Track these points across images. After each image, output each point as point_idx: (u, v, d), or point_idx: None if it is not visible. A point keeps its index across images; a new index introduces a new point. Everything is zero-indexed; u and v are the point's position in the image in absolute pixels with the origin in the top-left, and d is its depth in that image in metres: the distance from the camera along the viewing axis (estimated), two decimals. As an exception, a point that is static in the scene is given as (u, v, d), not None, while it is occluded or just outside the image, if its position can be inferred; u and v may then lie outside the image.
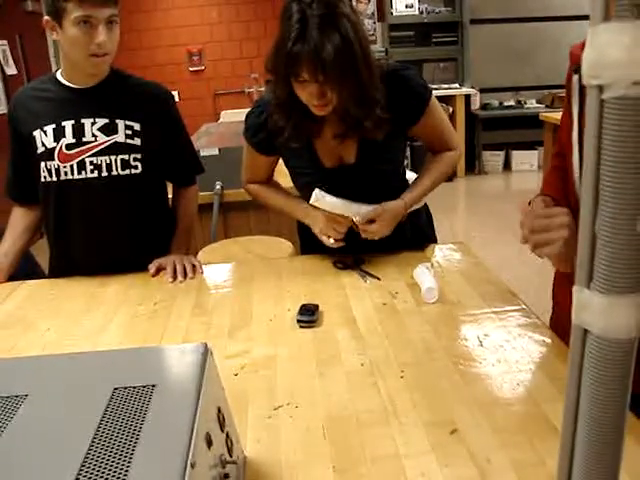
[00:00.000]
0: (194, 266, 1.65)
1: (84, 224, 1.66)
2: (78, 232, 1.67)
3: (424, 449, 0.88)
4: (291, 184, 1.69)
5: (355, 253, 1.60)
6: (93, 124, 1.58)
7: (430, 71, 6.50)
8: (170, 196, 1.85)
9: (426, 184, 1.59)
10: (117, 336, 1.32)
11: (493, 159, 6.59)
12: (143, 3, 6.41)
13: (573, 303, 0.41)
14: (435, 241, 1.78)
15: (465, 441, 0.89)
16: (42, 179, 1.61)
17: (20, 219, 1.73)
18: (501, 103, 6.56)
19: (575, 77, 0.99)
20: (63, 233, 1.68)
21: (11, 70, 4.92)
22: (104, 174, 1.59)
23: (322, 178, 1.53)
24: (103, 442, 0.61)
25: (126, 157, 1.60)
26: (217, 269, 1.71)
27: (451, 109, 6.11)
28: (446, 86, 6.38)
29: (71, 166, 1.58)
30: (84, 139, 1.57)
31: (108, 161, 1.59)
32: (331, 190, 1.51)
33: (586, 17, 0.36)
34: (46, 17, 1.47)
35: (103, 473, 0.56)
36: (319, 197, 1.50)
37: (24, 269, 1.80)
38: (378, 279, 1.50)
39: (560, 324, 1.24)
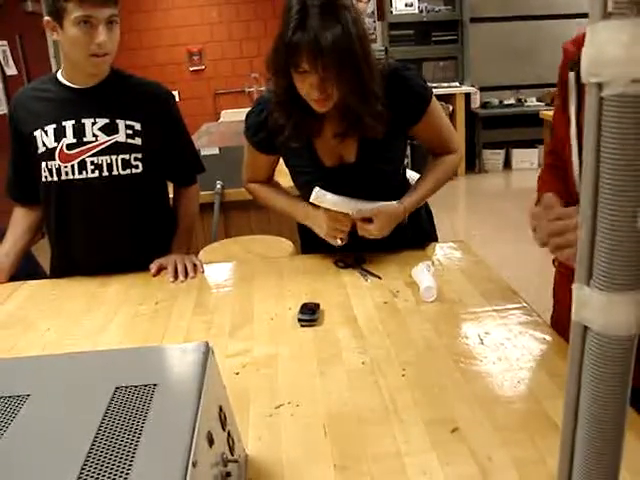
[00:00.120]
0: (195, 265, 1.65)
1: (85, 224, 1.66)
2: (79, 232, 1.67)
3: (425, 447, 0.88)
4: (291, 183, 1.69)
5: (356, 252, 1.60)
6: (94, 124, 1.58)
7: (430, 70, 6.50)
8: (171, 196, 1.85)
9: (426, 188, 1.59)
10: (118, 336, 1.32)
11: (493, 157, 6.59)
12: (143, 3, 6.41)
13: (573, 300, 0.41)
14: (436, 240, 1.78)
15: (466, 439, 0.89)
16: (43, 179, 1.61)
17: (21, 219, 1.74)
18: (501, 101, 6.56)
19: (571, 74, 0.99)
20: (64, 233, 1.69)
21: (11, 70, 4.93)
22: (105, 174, 1.59)
23: (322, 177, 1.53)
24: (105, 441, 0.61)
25: (127, 157, 1.60)
26: (218, 268, 1.71)
27: (451, 108, 6.12)
28: (446, 85, 6.38)
29: (72, 166, 1.58)
30: (85, 139, 1.57)
31: (109, 161, 1.59)
32: (331, 189, 1.51)
33: (586, 15, 0.36)
34: (46, 17, 1.48)
35: (105, 472, 0.56)
36: (319, 195, 1.50)
37: (25, 269, 1.80)
38: (379, 278, 1.51)
39: (561, 322, 1.25)
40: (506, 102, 6.54)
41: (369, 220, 1.50)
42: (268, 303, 1.42)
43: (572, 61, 1.02)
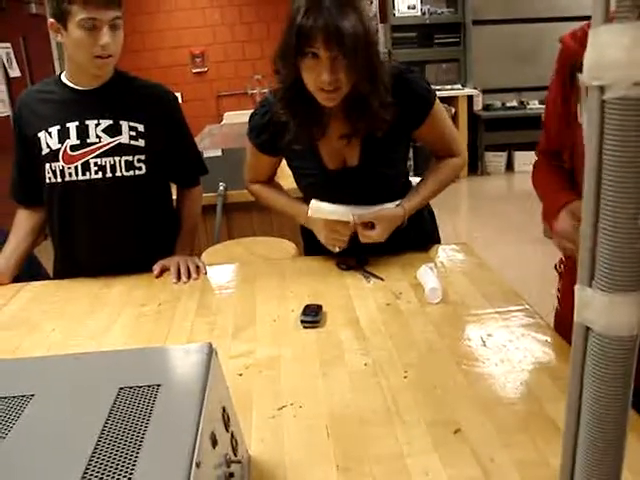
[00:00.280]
0: (198, 267, 1.66)
1: (88, 225, 1.67)
2: (82, 233, 1.68)
3: (427, 448, 0.88)
4: (294, 185, 1.69)
5: (358, 254, 1.61)
6: (97, 125, 1.58)
7: (432, 72, 6.50)
8: (174, 197, 1.86)
9: (427, 191, 1.59)
10: (122, 337, 1.32)
11: (496, 160, 6.58)
12: (146, 5, 6.43)
13: (575, 301, 0.42)
14: (438, 241, 1.78)
15: (468, 441, 0.89)
16: (47, 180, 1.62)
17: (24, 221, 1.74)
18: (504, 104, 6.55)
19: (580, 75, 0.99)
20: (67, 234, 1.69)
21: (15, 72, 4.94)
22: (108, 175, 1.60)
23: (325, 180, 1.53)
24: (108, 442, 0.61)
25: (130, 158, 1.61)
26: (221, 270, 1.72)
27: (453, 110, 6.11)
28: (449, 87, 6.38)
29: (75, 167, 1.59)
30: (88, 140, 1.58)
31: (112, 162, 1.59)
32: (334, 192, 1.51)
33: (588, 17, 0.36)
34: (51, 20, 1.48)
35: (109, 472, 0.57)
36: (314, 207, 1.51)
37: (28, 271, 1.81)
38: (381, 280, 1.51)
39: (563, 324, 1.25)
40: (508, 104, 6.53)
41: (369, 225, 1.50)
42: (271, 305, 1.43)
43: (577, 62, 1.02)
